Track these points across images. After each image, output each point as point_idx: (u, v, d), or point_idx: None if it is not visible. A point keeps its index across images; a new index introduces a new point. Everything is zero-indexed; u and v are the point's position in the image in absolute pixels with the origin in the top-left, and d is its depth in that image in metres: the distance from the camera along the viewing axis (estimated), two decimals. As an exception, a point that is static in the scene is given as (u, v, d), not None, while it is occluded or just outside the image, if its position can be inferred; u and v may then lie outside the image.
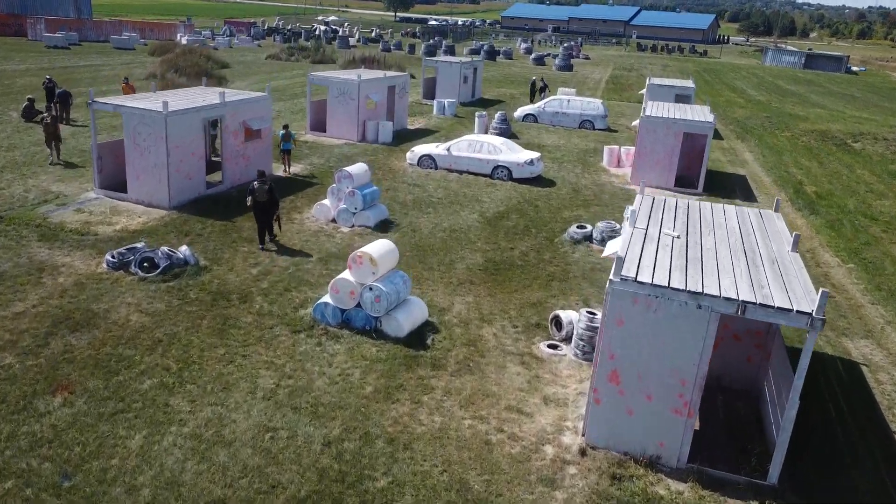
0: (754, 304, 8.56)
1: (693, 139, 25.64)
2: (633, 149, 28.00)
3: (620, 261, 9.16)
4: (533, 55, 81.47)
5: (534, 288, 15.45)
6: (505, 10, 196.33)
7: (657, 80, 37.91)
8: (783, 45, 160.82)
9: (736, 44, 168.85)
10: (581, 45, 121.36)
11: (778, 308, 8.48)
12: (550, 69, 74.24)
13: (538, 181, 24.63)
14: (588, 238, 18.34)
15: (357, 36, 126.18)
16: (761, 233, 11.56)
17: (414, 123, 35.05)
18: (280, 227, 17.45)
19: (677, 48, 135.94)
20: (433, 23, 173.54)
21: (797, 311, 8.42)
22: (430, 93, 43.00)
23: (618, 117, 41.66)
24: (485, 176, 24.60)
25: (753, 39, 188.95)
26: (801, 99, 61.15)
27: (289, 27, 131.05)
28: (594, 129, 36.54)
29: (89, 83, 39.87)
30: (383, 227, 18.51)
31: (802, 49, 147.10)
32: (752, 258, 10.24)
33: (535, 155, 24.71)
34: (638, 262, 9.63)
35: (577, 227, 18.66)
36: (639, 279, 9.03)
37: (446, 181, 23.90)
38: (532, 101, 44.91)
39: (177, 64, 42.20)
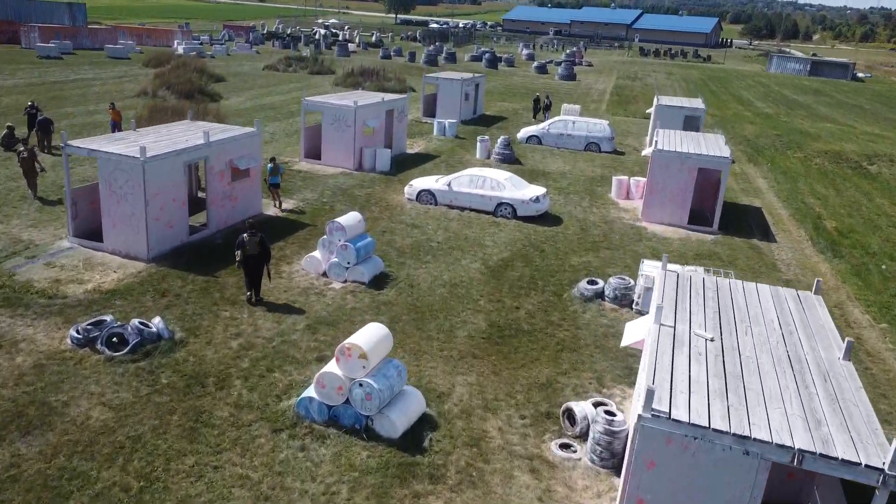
0: (813, 454, 7.15)
1: (707, 171, 24.22)
2: (642, 180, 26.59)
3: (650, 394, 7.72)
4: (535, 63, 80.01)
5: (542, 361, 14.03)
6: (506, 13, 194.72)
7: (665, 101, 36.46)
8: (787, 50, 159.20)
9: (739, 48, 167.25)
10: (584, 50, 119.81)
11: (842, 461, 7.08)
12: (553, 78, 72.81)
13: (544, 218, 23.19)
14: (599, 295, 16.92)
15: (357, 40, 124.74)
16: (804, 329, 10.14)
17: (413, 146, 33.61)
18: (269, 277, 16.12)
19: (680, 52, 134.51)
20: (434, 25, 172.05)
21: (866, 466, 7.01)
22: (430, 110, 41.57)
23: (624, 136, 40.21)
24: (488, 213, 23.19)
25: (756, 43, 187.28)
26: (810, 112, 59.66)
27: (288, 31, 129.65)
28: (600, 151, 35.11)
29: (77, 101, 38.47)
30: (378, 283, 17.09)
31: (806, 53, 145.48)
32: (801, 372, 8.82)
33: (540, 191, 23.27)
34: (669, 386, 8.21)
35: (588, 282, 17.24)
36: (673, 416, 7.61)
37: (447, 220, 22.48)
38: (535, 118, 43.50)
39: (169, 81, 40.75)
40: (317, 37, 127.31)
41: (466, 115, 41.69)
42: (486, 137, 32.01)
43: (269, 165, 22.43)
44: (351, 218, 17.19)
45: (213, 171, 19.27)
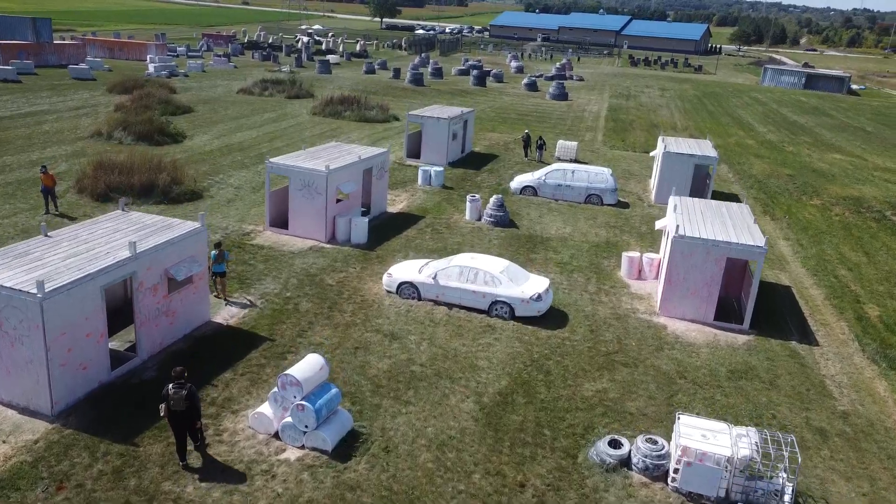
0: None
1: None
2: (655, 257, 23.09)
3: None
4: (525, 80, 76.46)
5: None
6: (494, 18, 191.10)
7: (673, 145, 32.92)
8: (777, 57, 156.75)
9: (729, 54, 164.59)
10: (575, 58, 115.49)
11: None
12: (544, 97, 69.29)
13: (547, 317, 19.58)
14: (625, 463, 13.35)
15: (341, 49, 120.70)
16: None
17: (395, 202, 29.89)
18: (197, 439, 12.64)
19: (671, 61, 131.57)
20: (420, 31, 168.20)
21: None
22: (414, 150, 37.88)
23: (625, 178, 36.71)
24: (480, 312, 19.57)
25: (745, 49, 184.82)
26: (814, 138, 56.52)
27: (270, 39, 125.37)
28: (602, 203, 31.57)
29: (20, 147, 34.41)
30: (345, 448, 13.39)
31: (796, 60, 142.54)
32: None
33: (541, 286, 19.64)
34: None
35: (610, 442, 13.65)
36: None
37: (432, 324, 18.81)
38: (526, 156, 39.83)
39: (126, 121, 36.73)
40: (299, 45, 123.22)
41: (454, 156, 38.04)
42: (477, 196, 28.30)
43: (213, 252, 18.78)
44: (308, 368, 13.48)
45: (144, 288, 15.53)
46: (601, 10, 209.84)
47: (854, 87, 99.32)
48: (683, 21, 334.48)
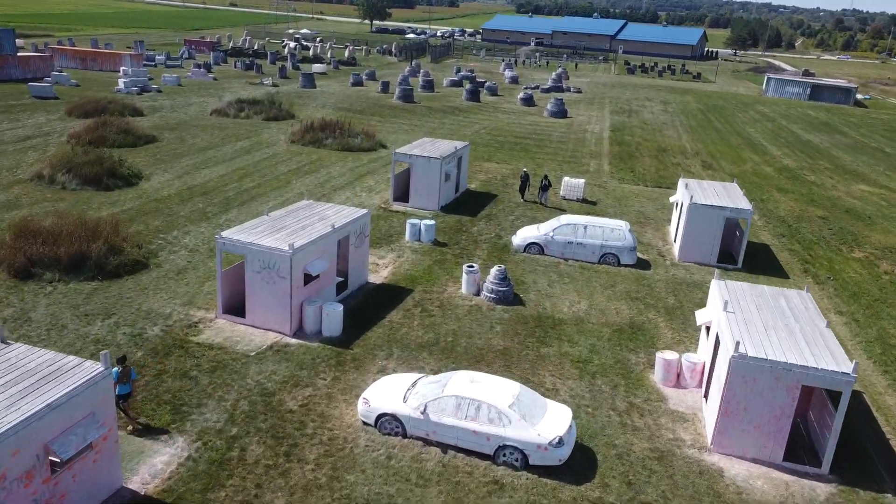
0: None
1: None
2: (697, 362, 18.54)
3: None
4: (521, 94, 71.83)
5: None
6: (486, 21, 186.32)
7: (699, 195, 28.28)
8: (775, 63, 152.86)
9: (726, 59, 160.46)
10: (572, 65, 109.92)
11: None
12: (542, 114, 64.69)
13: (568, 467, 14.97)
14: None
15: (329, 55, 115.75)
16: None
17: (378, 268, 25.20)
18: None
19: (668, 67, 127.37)
20: (411, 36, 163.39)
21: None
22: (402, 190, 33.22)
23: (641, 225, 32.15)
24: (483, 457, 14.99)
25: (742, 53, 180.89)
26: (833, 162, 52.23)
27: (255, 45, 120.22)
28: (619, 264, 27.03)
29: (-55, 195, 29.52)
30: None
31: (794, 65, 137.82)
32: None
33: (562, 429, 14.92)
34: None
35: None
36: None
37: (422, 481, 14.19)
38: (523, 197, 35.04)
39: (72, 161, 31.82)
40: (286, 51, 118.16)
41: (447, 198, 33.39)
42: (475, 267, 23.61)
43: (116, 370, 14.21)
44: None
45: (10, 479, 10.83)
46: (595, 14, 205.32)
47: (860, 96, 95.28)
48: (676, 23, 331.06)
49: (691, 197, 27.64)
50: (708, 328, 18.85)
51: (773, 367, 15.05)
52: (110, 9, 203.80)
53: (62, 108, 49.43)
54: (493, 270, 23.11)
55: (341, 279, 22.82)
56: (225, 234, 20.04)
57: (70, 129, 41.46)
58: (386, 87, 71.70)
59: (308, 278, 20.25)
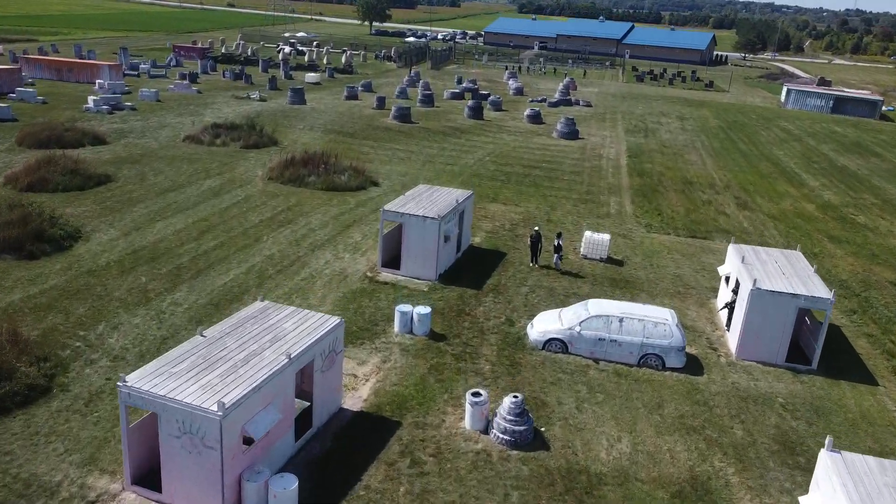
0: None
1: None
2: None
3: None
4: (527, 110, 65.74)
5: None
6: (488, 25, 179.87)
7: (764, 281, 22.11)
8: (787, 68, 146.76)
9: (736, 64, 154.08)
10: (579, 72, 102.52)
11: None
12: (551, 135, 58.68)
13: None
14: None
15: (325, 61, 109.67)
16: None
17: (357, 383, 19.25)
18: None
19: (678, 74, 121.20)
20: (411, 39, 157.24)
21: None
22: (391, 256, 27.28)
23: (682, 299, 26.23)
24: None
25: (751, 57, 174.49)
26: (876, 193, 46.36)
27: (248, 50, 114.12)
28: (664, 367, 21.11)
29: None
30: None
31: (804, 67, 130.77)
32: None
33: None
34: None
35: None
36: None
37: None
38: (533, 261, 28.95)
39: (-11, 221, 25.90)
40: (280, 57, 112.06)
41: (447, 263, 27.44)
42: (483, 395, 17.63)
43: None
44: None
45: None
46: (601, 17, 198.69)
47: (885, 108, 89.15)
48: (680, 24, 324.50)
49: (754, 281, 21.62)
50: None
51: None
52: (105, 10, 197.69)
53: (15, 134, 43.47)
54: (507, 402, 17.18)
55: (306, 405, 17.01)
56: (130, 378, 14.09)
57: (10, 168, 35.51)
58: (382, 102, 65.62)
59: (250, 439, 14.37)
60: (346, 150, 46.48)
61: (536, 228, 29.20)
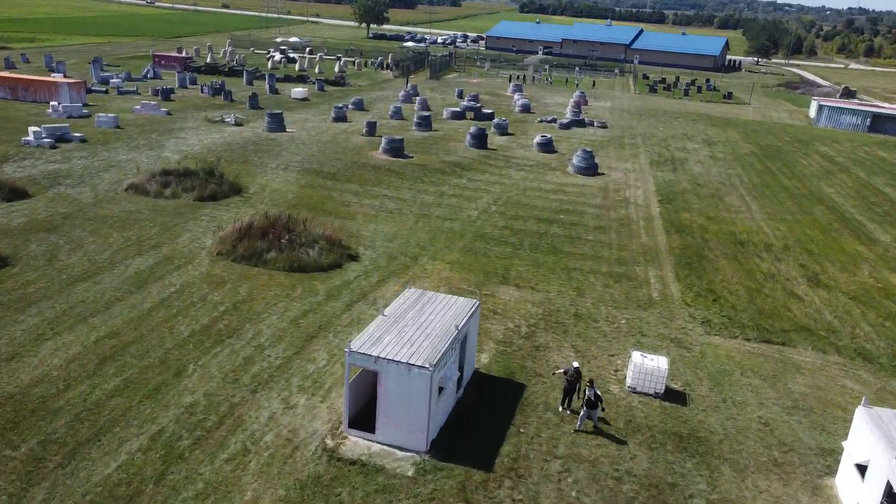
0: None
1: None
2: None
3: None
4: (538, 138, 57.08)
5: None
6: (490, 29, 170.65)
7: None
8: (805, 74, 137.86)
9: (749, 70, 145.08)
10: (589, 81, 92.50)
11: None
12: (566, 170, 50.10)
13: None
14: None
15: (317, 70, 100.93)
16: None
17: None
18: None
19: (692, 83, 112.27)
20: (409, 44, 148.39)
21: None
22: (362, 404, 18.70)
23: (783, 478, 17.75)
24: None
25: (764, 61, 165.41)
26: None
27: (235, 59, 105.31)
28: None
29: None
30: None
31: (820, 73, 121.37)
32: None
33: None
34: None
35: None
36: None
37: None
38: (567, 405, 20.24)
39: None
40: (269, 64, 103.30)
41: (441, 420, 18.82)
42: None
43: None
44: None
45: None
46: (608, 21, 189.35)
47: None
48: (683, 24, 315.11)
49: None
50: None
51: None
52: (94, 12, 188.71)
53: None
54: None
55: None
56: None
57: None
58: (372, 128, 56.95)
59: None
60: (324, 201, 37.94)
61: (576, 365, 20.52)
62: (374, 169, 45.80)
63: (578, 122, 68.80)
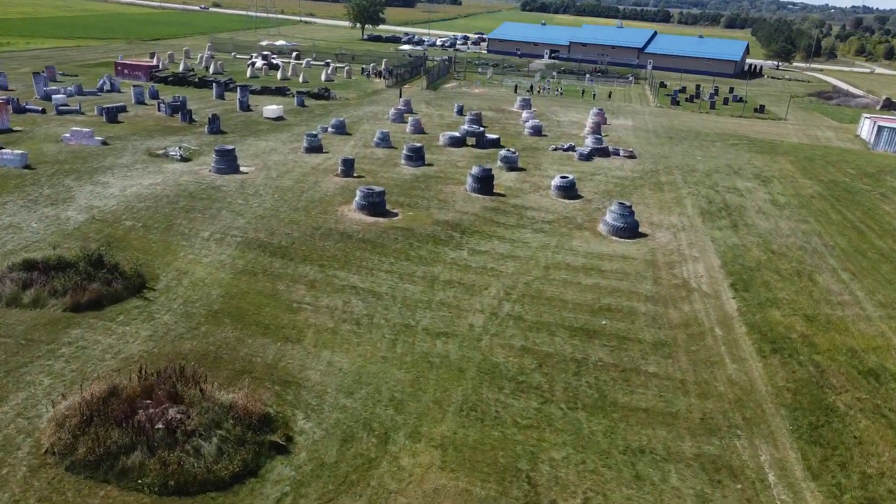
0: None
1: None
2: None
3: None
4: (556, 180, 44.63)
5: None
6: (491, 32, 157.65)
7: None
8: (831, 79, 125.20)
9: (772, 76, 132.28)
10: (602, 88, 79.01)
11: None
12: (597, 227, 37.76)
13: None
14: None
15: (301, 78, 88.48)
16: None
17: None
18: None
19: (715, 92, 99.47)
20: (406, 47, 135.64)
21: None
22: None
23: None
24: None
25: (783, 65, 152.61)
26: None
27: (211, 67, 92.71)
28: None
29: None
30: None
31: (842, 76, 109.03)
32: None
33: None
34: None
35: None
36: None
37: None
38: None
39: None
40: (249, 73, 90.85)
41: None
42: None
43: None
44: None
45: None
46: (619, 23, 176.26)
47: None
48: (689, 23, 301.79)
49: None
50: None
51: None
52: (75, 12, 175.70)
53: None
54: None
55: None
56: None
57: None
58: (350, 167, 44.59)
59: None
60: (262, 305, 25.61)
61: None
62: (343, 238, 33.32)
63: (601, 151, 56.36)
